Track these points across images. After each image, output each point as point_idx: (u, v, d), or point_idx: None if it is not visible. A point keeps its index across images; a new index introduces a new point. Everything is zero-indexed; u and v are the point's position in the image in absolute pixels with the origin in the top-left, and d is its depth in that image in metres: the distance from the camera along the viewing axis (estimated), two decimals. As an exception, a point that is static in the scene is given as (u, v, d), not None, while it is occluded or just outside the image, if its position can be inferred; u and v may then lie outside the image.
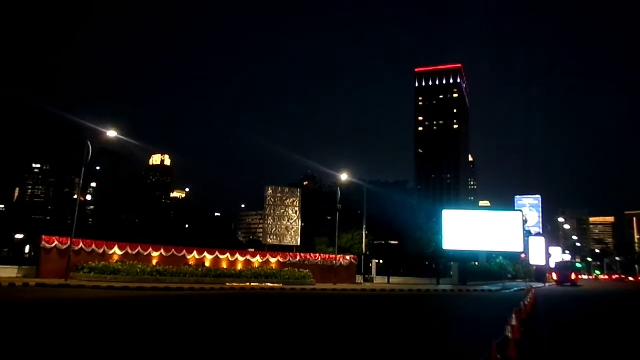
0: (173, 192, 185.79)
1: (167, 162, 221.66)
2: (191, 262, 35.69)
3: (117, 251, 33.23)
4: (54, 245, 30.65)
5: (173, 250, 35.64)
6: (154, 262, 34.02)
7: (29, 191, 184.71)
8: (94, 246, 32.37)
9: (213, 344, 11.03)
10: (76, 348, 9.72)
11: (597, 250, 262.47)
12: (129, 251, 33.68)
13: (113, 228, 60.67)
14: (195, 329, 13.27)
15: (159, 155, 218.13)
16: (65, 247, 30.73)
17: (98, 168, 78.33)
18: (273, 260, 39.50)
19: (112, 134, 36.10)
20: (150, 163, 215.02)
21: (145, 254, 34.28)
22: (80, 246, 31.55)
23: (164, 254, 34.97)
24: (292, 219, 43.14)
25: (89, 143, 32.16)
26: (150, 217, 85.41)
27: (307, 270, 38.38)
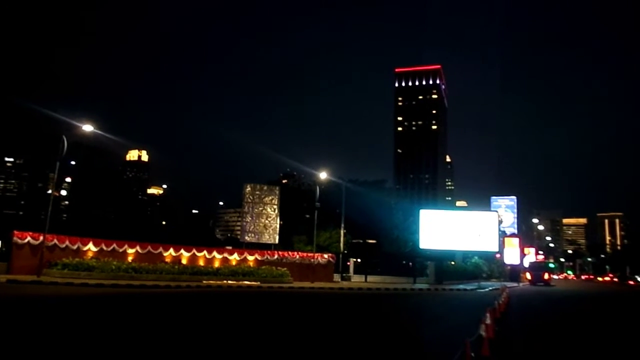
0: (150, 188, 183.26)
1: (145, 157, 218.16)
2: (167, 260, 35.33)
3: (91, 247, 32.69)
4: (26, 240, 30.00)
5: (149, 247, 35.22)
6: (130, 259, 33.58)
7: (1, 185, 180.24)
8: (67, 242, 31.80)
9: (183, 343, 10.95)
10: (37, 347, 9.55)
11: (570, 251, 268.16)
12: (104, 248, 33.16)
13: (88, 224, 59.71)
14: (165, 328, 13.15)
15: (136, 150, 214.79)
16: (38, 242, 30.11)
17: (73, 163, 76.99)
18: (251, 258, 39.36)
19: (88, 128, 35.46)
20: (127, 158, 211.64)
21: (121, 250, 33.80)
22: (53, 242, 30.97)
23: (139, 250, 34.53)
24: (270, 217, 43.03)
25: (64, 137, 31.55)
26: (126, 213, 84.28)
27: (285, 269, 38.34)
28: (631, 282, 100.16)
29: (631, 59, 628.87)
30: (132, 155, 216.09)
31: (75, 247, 32.01)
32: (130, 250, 34.23)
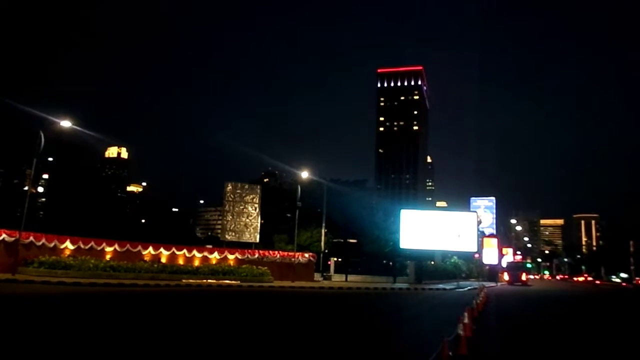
0: (129, 186, 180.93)
1: (124, 154, 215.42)
2: (146, 258, 34.98)
3: (68, 245, 32.20)
4: (1, 238, 29.36)
5: (128, 245, 34.83)
6: (108, 257, 33.17)
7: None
8: (44, 240, 31.24)
9: (157, 343, 10.89)
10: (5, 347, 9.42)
11: (547, 251, 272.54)
12: (82, 246, 32.68)
13: (65, 221, 58.80)
14: (140, 327, 13.05)
15: (116, 147, 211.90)
16: (13, 240, 29.50)
17: (51, 159, 75.62)
18: (231, 257, 39.20)
19: (66, 124, 34.94)
20: (107, 155, 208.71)
21: (99, 248, 33.36)
22: (29, 239, 30.39)
23: (118, 249, 34.12)
24: (251, 216, 42.91)
25: (41, 133, 31.02)
26: (105, 211, 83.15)
27: (266, 268, 38.26)
28: (597, 282, 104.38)
29: (610, 58, 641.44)
30: (112, 152, 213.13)
31: (52, 245, 31.48)
32: (109, 249, 33.81)
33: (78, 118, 36.85)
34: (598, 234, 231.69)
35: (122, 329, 12.21)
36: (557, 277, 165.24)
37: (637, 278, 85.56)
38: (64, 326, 12.20)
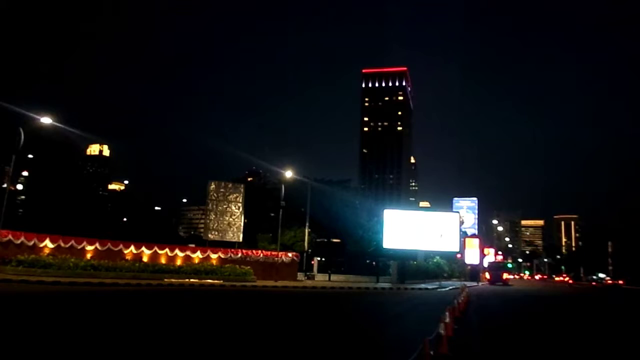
0: (111, 184, 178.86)
1: (106, 152, 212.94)
2: (128, 257, 34.63)
3: (48, 244, 31.72)
4: (-22, 236, 28.90)
5: (109, 244, 34.45)
6: (89, 256, 32.75)
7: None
8: (23, 238, 30.74)
9: (134, 343, 10.81)
10: None
11: (528, 252, 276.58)
12: (62, 244, 32.22)
13: (45, 220, 57.88)
14: (119, 328, 12.94)
15: (97, 145, 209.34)
16: (-9, 238, 29.03)
17: (31, 156, 74.36)
18: (214, 256, 39.00)
19: (46, 120, 34.44)
20: (88, 153, 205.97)
21: (79, 247, 32.92)
22: (8, 238, 29.87)
23: (99, 247, 33.72)
24: (234, 215, 42.73)
25: (21, 129, 30.53)
26: (86, 209, 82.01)
27: (249, 267, 38.14)
28: (571, 281, 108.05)
29: (593, 60, 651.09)
30: (93, 149, 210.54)
31: (31, 243, 30.97)
32: (89, 247, 33.39)
33: (60, 115, 36.31)
34: (577, 234, 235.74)
35: (100, 329, 12.08)
36: (536, 277, 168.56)
37: (607, 278, 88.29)
38: (37, 326, 12.03)
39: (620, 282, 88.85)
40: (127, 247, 35.29)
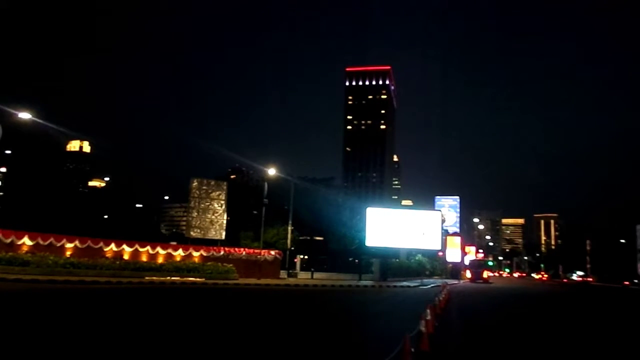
0: (91, 180, 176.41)
1: (86, 148, 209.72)
2: (109, 255, 34.27)
3: (27, 241, 31.24)
4: (-46, 233, 28.35)
5: (89, 241, 34.05)
6: (68, 253, 32.33)
7: None
8: (0, 235, 30.29)
9: (110, 342, 10.73)
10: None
11: (508, 250, 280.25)
12: (41, 242, 31.76)
13: (23, 217, 56.91)
14: (96, 326, 12.84)
15: (78, 141, 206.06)
16: (-33, 236, 28.50)
17: (9, 152, 73.06)
18: (196, 254, 38.79)
19: (25, 116, 33.90)
20: (68, 149, 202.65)
21: (59, 245, 32.48)
22: (-16, 235, 29.40)
23: (79, 245, 33.31)
24: (217, 212, 42.53)
25: (-1, 125, 29.95)
26: (66, 206, 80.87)
27: (231, 265, 38.02)
28: (544, 279, 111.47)
29: (578, 57, 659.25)
30: (73, 145, 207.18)
31: (9, 240, 30.48)
32: (69, 245, 32.97)
33: (40, 111, 35.74)
34: (557, 233, 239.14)
35: (77, 328, 11.96)
36: (515, 275, 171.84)
37: (579, 276, 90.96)
38: (13, 325, 11.87)
39: (590, 279, 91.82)
40: (108, 244, 34.93)
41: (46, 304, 17.22)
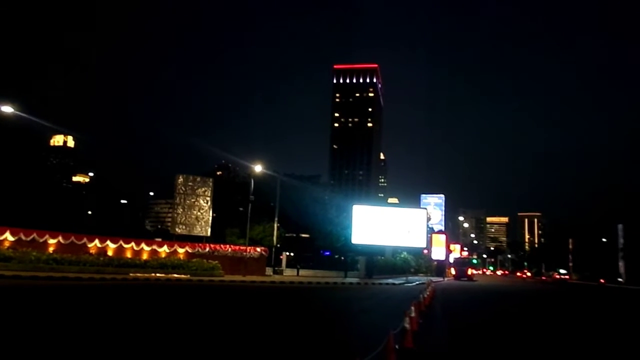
0: (75, 176, 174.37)
1: (70, 143, 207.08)
2: (92, 251, 33.97)
3: (8, 237, 30.85)
4: None
5: (72, 237, 33.70)
6: (51, 249, 31.99)
7: None
8: (-19, 231, 29.85)
9: (90, 340, 10.67)
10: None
11: (492, 248, 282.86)
12: (23, 237, 31.38)
13: (5, 212, 56.08)
14: (77, 323, 12.75)
15: (62, 136, 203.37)
16: (-53, 231, 28.04)
17: (-10, 146, 72.00)
18: (181, 250, 38.58)
19: (7, 109, 33.41)
20: (52, 144, 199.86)
21: (41, 240, 32.12)
22: (-35, 230, 28.95)
23: (62, 241, 32.96)
24: (202, 209, 42.33)
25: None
26: (49, 201, 79.87)
27: (217, 262, 37.89)
28: (526, 277, 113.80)
29: (564, 58, 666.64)
30: (57, 140, 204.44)
31: (-10, 236, 30.08)
32: (52, 241, 32.61)
33: (21, 104, 35.20)
34: (540, 231, 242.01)
35: (59, 325, 11.86)
36: (498, 273, 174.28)
37: (556, 273, 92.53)
38: None
39: (567, 277, 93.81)
40: (91, 240, 34.62)
41: (28, 300, 17.03)
